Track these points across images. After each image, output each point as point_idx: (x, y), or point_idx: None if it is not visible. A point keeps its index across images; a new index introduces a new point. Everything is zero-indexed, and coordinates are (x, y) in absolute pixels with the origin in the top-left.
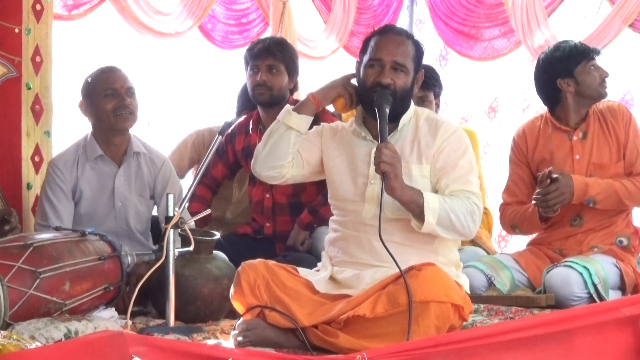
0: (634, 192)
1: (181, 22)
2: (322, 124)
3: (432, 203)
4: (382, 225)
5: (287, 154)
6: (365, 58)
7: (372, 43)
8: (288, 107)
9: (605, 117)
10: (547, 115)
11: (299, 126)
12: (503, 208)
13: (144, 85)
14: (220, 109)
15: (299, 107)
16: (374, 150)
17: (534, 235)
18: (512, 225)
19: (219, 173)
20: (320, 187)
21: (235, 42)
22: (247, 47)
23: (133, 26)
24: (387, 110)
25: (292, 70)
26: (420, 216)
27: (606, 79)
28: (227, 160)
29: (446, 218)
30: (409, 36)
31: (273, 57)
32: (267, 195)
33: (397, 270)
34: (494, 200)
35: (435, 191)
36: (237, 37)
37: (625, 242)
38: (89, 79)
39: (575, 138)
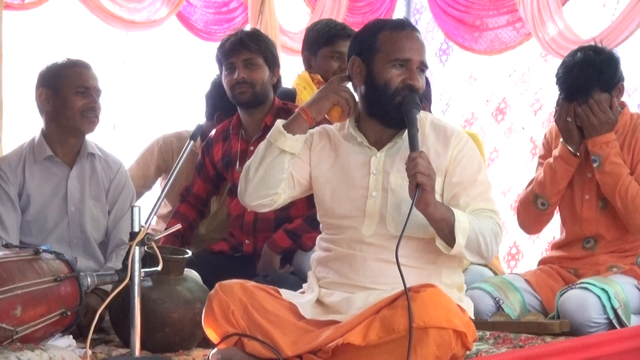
0: (632, 195)
1: (155, 9)
2: (308, 134)
3: (462, 222)
4: (382, 243)
5: (281, 180)
6: (383, 56)
7: (387, 39)
8: (279, 125)
9: (634, 130)
10: None
11: (294, 148)
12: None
13: (109, 83)
14: (197, 110)
15: (291, 126)
16: (373, 159)
17: (547, 253)
18: (534, 197)
19: (201, 190)
20: (310, 200)
21: (218, 33)
22: (218, 45)
23: (98, 16)
24: (417, 116)
25: (272, 62)
26: (448, 237)
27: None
28: (207, 174)
29: (474, 240)
30: (419, 32)
31: (248, 50)
32: (249, 209)
33: (392, 293)
34: (502, 214)
35: None
36: (217, 28)
37: None
38: (57, 69)
39: None
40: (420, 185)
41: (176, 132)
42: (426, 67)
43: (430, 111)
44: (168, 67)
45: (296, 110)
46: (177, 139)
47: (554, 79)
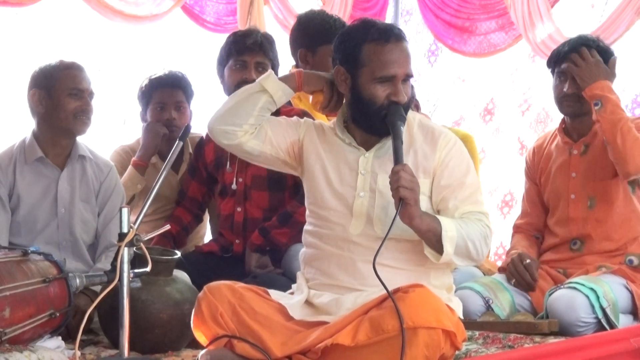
0: (633, 136)
1: (158, 3)
2: (304, 118)
3: (450, 231)
4: (369, 244)
5: (250, 116)
6: (368, 72)
7: (371, 53)
8: (271, 71)
9: None
10: (560, 124)
11: (275, 92)
12: (514, 230)
13: (120, 77)
14: (206, 104)
15: (282, 76)
16: (361, 158)
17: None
18: None
19: (196, 192)
20: (303, 200)
21: (229, 25)
22: (230, 37)
23: (99, 10)
24: (402, 128)
25: (276, 71)
26: (436, 246)
27: (566, 97)
28: (200, 177)
29: (463, 246)
30: (405, 38)
31: (264, 54)
32: (239, 209)
33: (381, 293)
34: (489, 214)
35: (437, 209)
36: (230, 19)
37: (635, 261)
38: (50, 70)
39: (575, 152)
40: (403, 200)
41: (136, 140)
42: (410, 76)
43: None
44: (176, 60)
45: (294, 70)
46: (138, 143)
47: (542, 80)
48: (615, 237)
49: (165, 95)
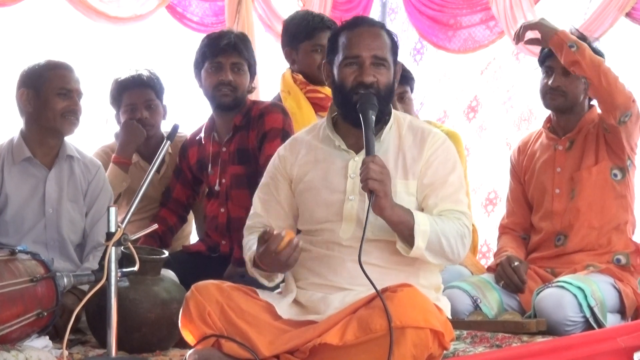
0: (613, 75)
1: (142, 3)
2: (275, 154)
3: (422, 225)
4: (359, 246)
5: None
6: (339, 57)
7: (343, 39)
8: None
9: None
10: (545, 122)
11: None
12: (501, 231)
13: (102, 76)
14: (186, 103)
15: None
16: (351, 162)
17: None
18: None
19: (180, 194)
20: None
21: (215, 25)
22: (204, 40)
23: (82, 11)
24: (373, 117)
25: (253, 71)
26: (408, 239)
27: (550, 90)
28: (185, 179)
29: (436, 242)
30: (382, 26)
31: (239, 54)
32: (222, 210)
33: (369, 293)
34: (472, 211)
35: (421, 209)
36: (215, 19)
37: (623, 260)
38: (39, 70)
39: (560, 147)
40: (373, 191)
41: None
42: (382, 60)
43: (411, 98)
44: (160, 60)
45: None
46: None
47: (526, 78)
48: (596, 224)
49: (134, 96)
